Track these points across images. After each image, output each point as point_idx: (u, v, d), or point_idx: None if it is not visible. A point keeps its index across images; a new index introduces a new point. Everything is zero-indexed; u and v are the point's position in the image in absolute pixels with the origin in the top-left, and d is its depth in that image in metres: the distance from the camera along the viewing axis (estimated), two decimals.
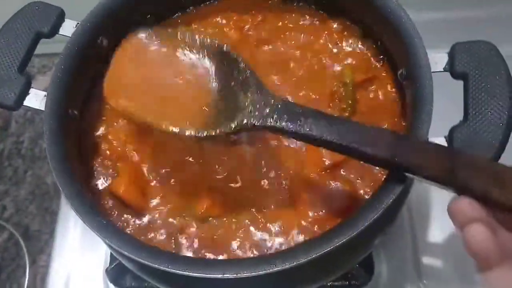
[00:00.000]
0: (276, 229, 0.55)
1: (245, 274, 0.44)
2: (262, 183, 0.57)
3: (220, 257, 0.54)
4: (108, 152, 0.60)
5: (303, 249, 0.45)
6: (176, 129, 0.48)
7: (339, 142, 0.45)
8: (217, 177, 0.58)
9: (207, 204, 0.56)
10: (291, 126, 0.46)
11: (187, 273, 0.44)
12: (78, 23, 0.59)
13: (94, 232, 0.47)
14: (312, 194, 0.56)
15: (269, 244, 0.54)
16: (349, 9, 0.64)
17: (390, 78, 0.61)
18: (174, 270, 0.45)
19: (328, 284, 0.69)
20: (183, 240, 0.55)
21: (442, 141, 0.49)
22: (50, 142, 0.52)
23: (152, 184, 0.58)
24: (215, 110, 0.48)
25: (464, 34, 0.54)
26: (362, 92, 0.61)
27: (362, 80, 0.61)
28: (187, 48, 0.51)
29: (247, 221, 0.56)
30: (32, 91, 0.56)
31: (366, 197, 0.55)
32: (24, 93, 0.56)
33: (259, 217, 0.56)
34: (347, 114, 0.59)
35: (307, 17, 0.67)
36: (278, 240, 0.54)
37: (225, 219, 0.56)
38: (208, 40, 0.50)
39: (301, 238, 0.54)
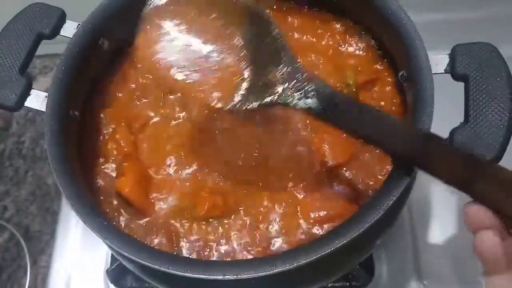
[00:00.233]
0: (277, 230, 0.55)
1: (245, 276, 0.44)
2: (264, 183, 0.57)
3: (221, 259, 0.54)
4: (114, 151, 0.60)
5: (304, 250, 0.45)
6: (203, 97, 0.47)
7: (367, 135, 0.45)
8: (217, 179, 0.58)
9: (209, 205, 0.56)
10: (319, 112, 0.45)
11: (187, 274, 0.44)
12: (79, 24, 0.59)
13: (94, 233, 0.47)
14: (313, 194, 0.56)
15: (270, 246, 0.54)
16: (350, 11, 0.64)
17: (392, 80, 0.61)
18: (174, 271, 0.45)
19: (329, 285, 0.69)
20: (185, 241, 0.55)
21: None
22: (51, 143, 0.52)
23: (156, 184, 0.58)
24: (243, 82, 0.47)
25: (465, 36, 0.54)
26: (364, 94, 0.61)
27: (364, 82, 0.61)
28: (215, 12, 0.48)
29: (248, 222, 0.56)
30: (33, 92, 0.56)
31: (368, 198, 0.55)
32: (25, 94, 0.56)
33: (260, 218, 0.56)
34: None
35: (310, 19, 0.66)
36: (279, 241, 0.54)
37: (226, 220, 0.56)
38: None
39: (302, 239, 0.54)
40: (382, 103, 0.61)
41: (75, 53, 0.58)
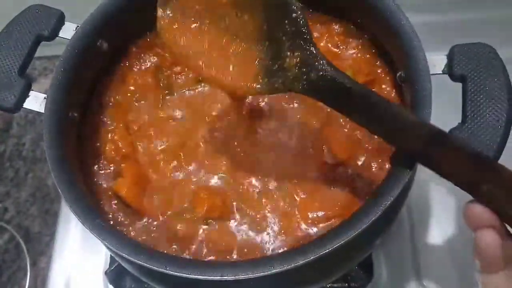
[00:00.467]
0: (276, 230, 0.55)
1: (243, 276, 0.44)
2: (262, 183, 0.58)
3: (220, 259, 0.54)
4: (113, 153, 0.60)
5: (302, 250, 0.45)
6: (218, 78, 0.46)
7: (377, 126, 0.45)
8: (216, 180, 0.58)
9: (208, 206, 0.56)
10: (332, 102, 0.45)
11: (185, 275, 0.44)
12: (78, 26, 0.60)
13: (93, 233, 0.47)
14: (312, 194, 0.56)
15: (268, 246, 0.54)
16: (349, 12, 0.64)
17: (390, 81, 0.61)
18: (172, 272, 0.45)
19: (328, 286, 0.69)
20: (183, 242, 0.55)
21: None
22: (49, 144, 0.52)
23: (154, 185, 0.59)
24: (259, 65, 0.46)
25: (463, 37, 0.54)
26: None
27: (363, 83, 0.61)
28: None
29: (247, 223, 0.56)
30: (32, 93, 0.56)
31: (366, 197, 0.54)
32: (24, 95, 0.56)
33: (259, 218, 0.56)
34: None
35: (308, 19, 0.66)
36: (278, 241, 0.54)
37: (225, 221, 0.56)
38: None
39: (300, 239, 0.54)
40: None
41: (74, 55, 0.58)
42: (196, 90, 0.64)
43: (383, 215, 0.45)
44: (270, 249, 0.54)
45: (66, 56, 0.57)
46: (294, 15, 0.44)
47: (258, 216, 0.56)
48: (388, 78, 0.62)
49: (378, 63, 0.63)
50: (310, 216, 0.55)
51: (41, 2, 0.60)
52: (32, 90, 0.57)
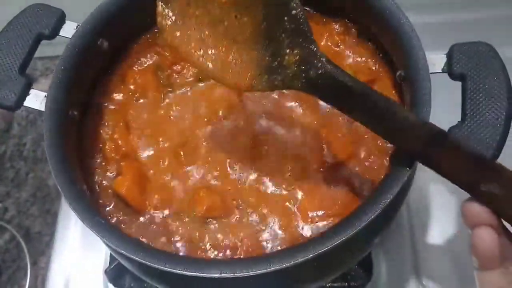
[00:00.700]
0: (276, 229, 0.55)
1: (242, 274, 0.44)
2: (262, 182, 0.58)
3: (219, 257, 0.54)
4: (112, 151, 0.60)
5: (301, 248, 0.45)
6: (219, 76, 0.46)
7: (377, 128, 0.45)
8: (215, 179, 0.58)
9: (207, 205, 0.56)
10: (331, 100, 0.45)
11: (184, 272, 0.44)
12: (78, 25, 0.60)
13: (92, 231, 0.47)
14: (312, 193, 0.56)
15: (268, 245, 0.54)
16: (349, 11, 0.64)
17: (390, 80, 0.61)
18: (171, 269, 0.45)
19: (327, 285, 0.69)
20: (182, 240, 0.55)
21: None
22: (49, 142, 0.52)
23: (154, 184, 0.59)
24: (259, 63, 0.45)
25: (463, 37, 0.54)
26: None
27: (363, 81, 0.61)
28: None
29: (246, 221, 0.56)
30: (32, 91, 0.56)
31: (366, 196, 0.55)
32: (24, 93, 0.56)
33: (259, 217, 0.56)
34: None
35: (308, 19, 0.66)
36: (278, 240, 0.54)
37: (224, 219, 0.56)
38: None
39: (300, 238, 0.54)
40: None
41: (74, 53, 0.58)
42: (197, 89, 0.64)
43: (382, 214, 0.45)
44: (270, 248, 0.54)
45: (67, 55, 0.58)
46: (293, 12, 0.43)
47: (257, 215, 0.56)
48: (388, 77, 0.62)
49: (378, 62, 0.63)
50: (310, 215, 0.55)
51: (42, 1, 0.61)
52: (33, 88, 0.57)
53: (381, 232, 0.55)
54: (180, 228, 0.56)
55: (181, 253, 0.54)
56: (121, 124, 0.62)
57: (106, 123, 0.62)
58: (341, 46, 0.65)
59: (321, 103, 0.58)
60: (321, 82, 0.44)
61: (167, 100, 0.64)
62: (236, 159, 0.59)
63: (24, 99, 0.56)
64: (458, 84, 0.52)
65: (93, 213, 0.49)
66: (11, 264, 0.84)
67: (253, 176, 0.58)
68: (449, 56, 0.53)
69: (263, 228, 0.55)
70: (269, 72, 0.45)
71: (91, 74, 0.62)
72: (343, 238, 0.44)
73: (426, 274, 0.72)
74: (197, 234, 0.55)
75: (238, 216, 0.56)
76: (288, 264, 0.44)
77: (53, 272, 0.79)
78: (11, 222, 0.87)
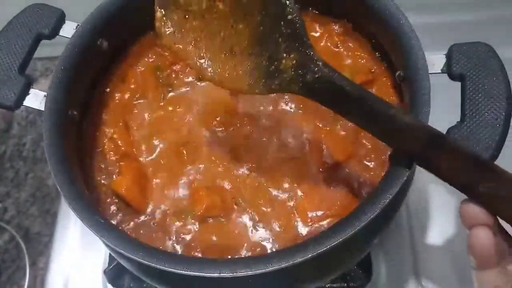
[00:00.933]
0: (275, 229, 0.55)
1: (241, 273, 0.44)
2: (262, 182, 0.58)
3: (218, 257, 0.53)
4: (112, 151, 0.60)
5: (300, 248, 0.45)
6: (218, 80, 0.47)
7: (375, 131, 0.45)
8: (215, 179, 0.58)
9: (207, 205, 0.56)
10: (329, 103, 0.45)
11: (183, 272, 0.44)
12: (78, 25, 0.60)
13: (91, 230, 0.47)
14: (311, 194, 0.56)
15: (267, 244, 0.54)
16: (349, 12, 0.64)
17: (389, 80, 0.62)
18: (170, 269, 0.45)
19: (326, 285, 0.69)
20: (182, 240, 0.55)
21: None
22: (49, 142, 0.52)
23: (153, 183, 0.59)
24: (256, 67, 0.46)
25: (462, 38, 0.54)
26: None
27: (362, 83, 0.61)
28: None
29: (246, 221, 0.56)
30: (32, 91, 0.56)
31: (365, 196, 0.55)
32: (24, 93, 0.56)
33: (258, 217, 0.56)
34: None
35: (308, 20, 0.67)
36: (277, 240, 0.54)
37: (224, 219, 0.56)
38: None
39: (299, 238, 0.54)
40: None
41: (74, 53, 0.58)
42: (196, 89, 0.64)
43: (382, 214, 0.45)
44: (269, 247, 0.54)
45: (66, 55, 0.58)
46: (289, 17, 0.43)
47: (257, 214, 0.56)
48: (387, 77, 0.62)
49: (377, 63, 0.63)
50: (309, 215, 0.55)
51: (41, 1, 0.61)
52: (32, 88, 0.57)
53: (380, 233, 0.55)
54: (179, 228, 0.56)
55: (180, 253, 0.54)
56: (121, 124, 0.62)
57: (106, 123, 0.62)
58: (340, 47, 0.65)
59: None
60: (318, 86, 0.44)
61: (166, 100, 0.64)
62: (236, 159, 0.59)
63: (23, 99, 0.56)
64: (458, 84, 0.52)
65: (93, 212, 0.49)
66: (11, 264, 0.83)
67: (252, 176, 0.58)
68: (449, 56, 0.53)
69: (263, 227, 0.55)
70: (267, 76, 0.45)
71: (91, 74, 0.62)
72: (342, 238, 0.44)
73: (426, 274, 0.71)
74: (196, 233, 0.56)
75: (237, 215, 0.56)
76: (287, 264, 0.44)
77: (52, 272, 0.79)
78: (11, 222, 0.86)
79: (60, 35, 0.60)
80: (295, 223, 0.55)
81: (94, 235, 0.48)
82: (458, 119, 0.50)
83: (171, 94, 0.64)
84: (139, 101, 0.64)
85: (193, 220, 0.56)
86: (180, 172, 0.59)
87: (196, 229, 0.56)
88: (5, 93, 0.55)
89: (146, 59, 0.66)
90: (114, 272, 0.71)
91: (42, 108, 0.55)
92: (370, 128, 0.46)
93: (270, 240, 0.55)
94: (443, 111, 0.51)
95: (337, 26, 0.66)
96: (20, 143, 0.94)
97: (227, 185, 0.58)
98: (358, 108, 0.44)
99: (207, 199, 0.56)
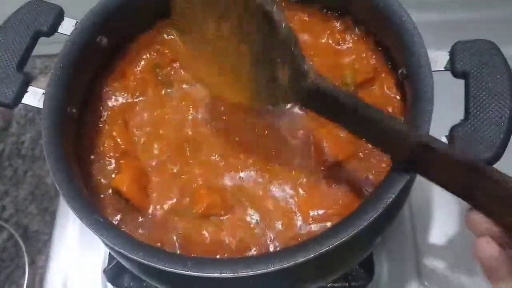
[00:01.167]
0: (276, 228, 0.55)
1: (243, 273, 0.43)
2: (263, 180, 0.57)
3: (219, 256, 0.53)
4: (111, 149, 0.60)
5: (302, 248, 0.44)
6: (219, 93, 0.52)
7: (369, 136, 0.47)
8: (216, 177, 0.58)
9: (208, 203, 0.55)
10: (323, 113, 0.47)
11: (183, 272, 0.44)
12: (77, 22, 0.59)
13: (90, 229, 0.47)
14: (312, 192, 0.56)
15: (269, 243, 0.54)
16: (351, 9, 0.64)
17: (391, 78, 0.61)
18: (171, 269, 0.44)
19: (328, 285, 0.68)
20: (182, 238, 0.55)
21: (443, 140, 0.49)
22: (48, 140, 0.52)
23: (154, 181, 0.58)
24: (255, 82, 0.48)
25: (465, 35, 0.54)
26: (363, 92, 0.61)
27: (363, 80, 0.61)
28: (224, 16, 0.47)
29: (247, 220, 0.55)
30: (30, 89, 0.56)
31: (367, 195, 0.55)
32: (22, 91, 0.55)
33: (259, 216, 0.55)
34: None
35: (309, 17, 0.66)
36: (278, 239, 0.54)
37: (224, 218, 0.56)
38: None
39: (301, 237, 0.54)
40: (382, 102, 0.60)
41: (73, 51, 0.57)
42: (196, 86, 0.63)
43: (384, 213, 0.45)
44: (270, 246, 0.54)
45: (65, 52, 0.57)
46: (285, 33, 0.44)
47: (258, 213, 0.56)
48: (389, 75, 0.61)
49: (379, 60, 0.62)
50: (311, 214, 0.55)
51: None
52: (31, 85, 0.56)
53: (383, 232, 0.55)
54: (180, 226, 0.55)
55: (181, 252, 0.54)
56: (120, 121, 0.61)
57: (105, 121, 0.62)
58: (342, 44, 0.65)
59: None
60: (312, 97, 0.46)
61: (166, 98, 0.63)
62: (237, 157, 0.59)
63: (22, 97, 0.55)
64: (461, 82, 0.51)
65: (92, 211, 0.49)
66: (10, 263, 0.83)
67: (254, 174, 0.58)
68: (452, 53, 0.52)
69: (264, 226, 0.55)
70: (266, 89, 0.48)
71: (90, 71, 0.62)
72: (345, 238, 0.44)
73: (428, 274, 0.71)
74: (197, 232, 0.55)
75: (238, 214, 0.56)
76: (289, 264, 0.43)
77: (51, 271, 0.78)
78: (9, 220, 0.86)
79: (59, 32, 0.59)
80: (297, 221, 0.55)
81: (93, 234, 0.48)
82: (462, 117, 0.49)
83: (171, 91, 0.63)
84: (139, 98, 0.63)
85: (193, 219, 0.56)
86: (181, 170, 0.59)
87: (197, 228, 0.55)
88: (2, 90, 0.55)
89: (145, 57, 0.66)
90: (113, 271, 0.70)
91: (41, 106, 0.54)
92: (365, 136, 0.47)
93: (272, 239, 0.54)
94: (446, 109, 0.51)
95: (338, 23, 0.65)
96: (19, 141, 0.94)
97: (228, 184, 0.57)
98: (352, 117, 0.46)
99: (208, 198, 0.55)
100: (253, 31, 0.45)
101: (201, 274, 0.44)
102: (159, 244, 0.54)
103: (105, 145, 0.60)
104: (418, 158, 0.44)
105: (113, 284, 0.71)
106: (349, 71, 0.62)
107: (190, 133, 0.61)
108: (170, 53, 0.65)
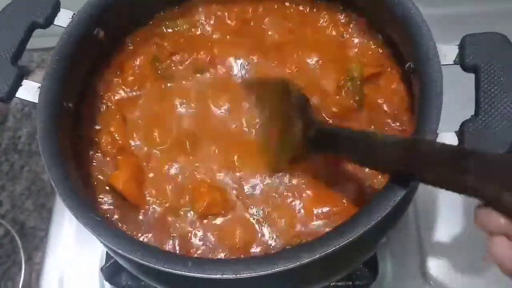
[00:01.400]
0: (279, 226, 0.54)
1: (245, 275, 0.42)
2: (265, 178, 0.56)
3: (220, 256, 0.52)
4: (108, 145, 0.59)
5: (307, 248, 0.43)
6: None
7: (362, 160, 0.48)
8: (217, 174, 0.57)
9: (208, 202, 0.54)
10: (330, 150, 0.51)
11: (184, 273, 0.43)
12: (74, 14, 0.58)
13: (87, 229, 0.46)
14: (317, 190, 0.55)
15: (271, 242, 0.53)
16: (356, 1, 0.63)
17: (398, 72, 0.60)
18: (170, 270, 0.43)
19: (331, 284, 0.68)
20: (182, 238, 0.54)
21: (453, 136, 0.48)
22: (43, 135, 0.51)
23: (152, 178, 0.57)
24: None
25: (474, 29, 0.52)
26: (369, 86, 0.60)
27: (369, 74, 0.60)
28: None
29: (249, 218, 0.55)
30: (25, 82, 0.55)
31: (373, 194, 0.52)
32: (17, 84, 0.54)
33: (261, 214, 0.55)
34: (354, 109, 0.59)
35: (313, 9, 0.65)
36: (281, 237, 0.53)
37: (225, 216, 0.55)
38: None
39: (304, 235, 0.53)
40: (388, 96, 0.60)
41: (69, 43, 0.56)
42: (196, 80, 0.62)
43: (391, 213, 0.44)
44: (273, 245, 0.53)
45: (62, 45, 0.56)
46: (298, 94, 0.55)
47: (260, 211, 0.55)
48: (395, 69, 0.61)
49: (385, 53, 0.62)
50: (315, 212, 0.54)
51: None
52: (26, 79, 0.55)
53: (388, 231, 0.54)
54: (178, 225, 0.55)
55: (180, 251, 0.53)
56: (118, 116, 0.60)
57: (103, 116, 0.61)
58: (346, 37, 0.64)
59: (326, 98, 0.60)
60: (318, 137, 0.51)
61: (166, 92, 0.62)
62: (238, 153, 0.58)
63: (16, 90, 0.54)
64: (471, 76, 0.50)
65: (88, 210, 0.48)
66: (6, 260, 0.83)
67: (256, 171, 0.56)
68: (461, 47, 0.51)
69: (266, 224, 0.54)
70: (283, 146, 0.56)
71: (87, 65, 0.61)
72: (351, 238, 0.43)
73: (434, 273, 0.71)
74: (196, 231, 0.54)
75: (239, 212, 0.55)
76: (294, 264, 0.42)
77: (48, 268, 0.78)
78: (6, 216, 0.86)
79: (55, 24, 0.58)
80: (300, 219, 0.54)
81: None
82: (472, 113, 0.48)
83: (170, 85, 0.62)
84: (137, 92, 0.62)
85: (193, 217, 0.55)
86: (180, 167, 0.58)
87: (197, 227, 0.54)
88: None
89: (144, 50, 0.65)
90: (111, 270, 0.70)
91: (36, 100, 0.53)
92: (363, 162, 0.49)
93: (274, 237, 0.53)
94: (456, 104, 0.50)
95: (342, 16, 0.64)
96: (16, 136, 0.93)
97: (229, 181, 0.56)
98: (349, 145, 0.49)
99: (209, 196, 0.54)
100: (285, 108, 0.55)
101: (202, 275, 0.43)
102: (157, 243, 0.53)
103: (102, 140, 0.59)
104: (414, 165, 0.42)
105: (110, 283, 0.71)
106: (355, 65, 0.61)
107: (189, 129, 0.60)
108: (169, 46, 0.64)
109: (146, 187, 0.56)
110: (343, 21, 0.64)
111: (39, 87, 0.54)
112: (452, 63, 0.51)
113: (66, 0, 0.60)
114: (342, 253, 0.44)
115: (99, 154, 0.59)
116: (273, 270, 0.42)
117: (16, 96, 0.54)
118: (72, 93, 0.58)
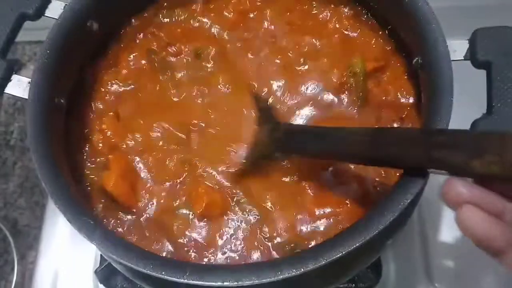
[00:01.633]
0: (281, 227, 0.52)
1: (247, 282, 0.41)
2: (266, 178, 0.55)
3: (219, 261, 0.51)
4: (101, 143, 0.57)
5: (312, 254, 0.42)
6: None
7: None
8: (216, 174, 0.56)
9: (207, 203, 0.53)
10: (302, 151, 0.53)
11: (182, 280, 0.42)
12: (66, 5, 0.56)
13: (81, 234, 0.44)
14: (319, 191, 0.54)
15: (272, 244, 0.52)
16: None
17: (403, 67, 0.59)
18: (167, 277, 0.42)
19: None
20: (179, 241, 0.52)
21: None
22: (33, 133, 0.50)
23: (145, 179, 0.56)
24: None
25: (486, 22, 0.51)
26: (373, 81, 0.59)
27: (373, 69, 0.59)
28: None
29: (250, 220, 0.53)
30: (14, 77, 0.54)
31: (376, 195, 0.53)
32: (6, 79, 0.53)
33: (262, 216, 0.53)
34: (357, 106, 0.58)
35: (316, 2, 0.64)
36: (283, 237, 0.52)
37: (225, 218, 0.53)
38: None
39: (306, 236, 0.52)
40: (392, 92, 0.58)
41: (61, 36, 0.55)
42: (195, 74, 0.61)
43: (398, 217, 0.42)
44: (273, 246, 0.52)
45: (53, 37, 0.55)
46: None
47: (260, 212, 0.54)
48: (400, 64, 0.60)
49: (390, 48, 0.60)
50: (317, 212, 0.53)
51: None
52: (16, 74, 0.54)
53: (395, 234, 0.53)
54: (175, 227, 0.53)
55: (176, 256, 0.51)
56: (112, 113, 0.59)
57: (96, 113, 0.60)
58: (350, 30, 0.62)
59: (326, 97, 0.59)
60: (286, 138, 0.54)
61: (161, 85, 0.61)
62: (238, 151, 0.57)
63: (5, 86, 0.53)
64: (482, 72, 0.49)
65: (81, 212, 0.46)
66: None
67: (256, 171, 0.55)
68: (472, 41, 0.50)
69: (267, 227, 0.53)
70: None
71: (80, 58, 0.59)
72: (358, 244, 0.41)
73: (438, 276, 0.70)
74: (195, 233, 0.53)
75: (239, 213, 0.54)
76: (298, 272, 0.41)
77: (41, 267, 0.76)
78: None
79: (46, 16, 0.57)
80: (302, 220, 0.53)
81: None
82: (484, 111, 0.47)
83: (167, 78, 0.61)
84: (132, 86, 0.61)
85: (190, 219, 0.53)
86: (176, 166, 0.56)
87: (194, 229, 0.53)
88: None
89: (139, 42, 0.64)
90: (105, 272, 0.68)
91: (26, 96, 0.52)
92: (330, 156, 0.51)
93: (276, 239, 0.52)
94: (467, 102, 0.49)
95: (346, 9, 0.63)
96: (8, 131, 0.93)
97: (228, 180, 0.55)
98: (320, 141, 0.50)
99: (207, 197, 0.53)
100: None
101: (201, 283, 0.41)
102: (152, 246, 0.52)
103: (94, 138, 0.58)
104: (371, 149, 0.44)
105: (105, 285, 0.69)
106: (358, 60, 0.59)
107: (187, 126, 0.58)
108: (165, 36, 0.63)
109: (139, 187, 0.55)
110: (347, 14, 0.63)
111: (29, 82, 0.52)
112: (462, 58, 0.50)
113: None
114: (348, 258, 0.42)
115: (91, 153, 0.57)
116: (277, 278, 0.41)
117: (6, 92, 0.53)
118: (64, 89, 0.56)
